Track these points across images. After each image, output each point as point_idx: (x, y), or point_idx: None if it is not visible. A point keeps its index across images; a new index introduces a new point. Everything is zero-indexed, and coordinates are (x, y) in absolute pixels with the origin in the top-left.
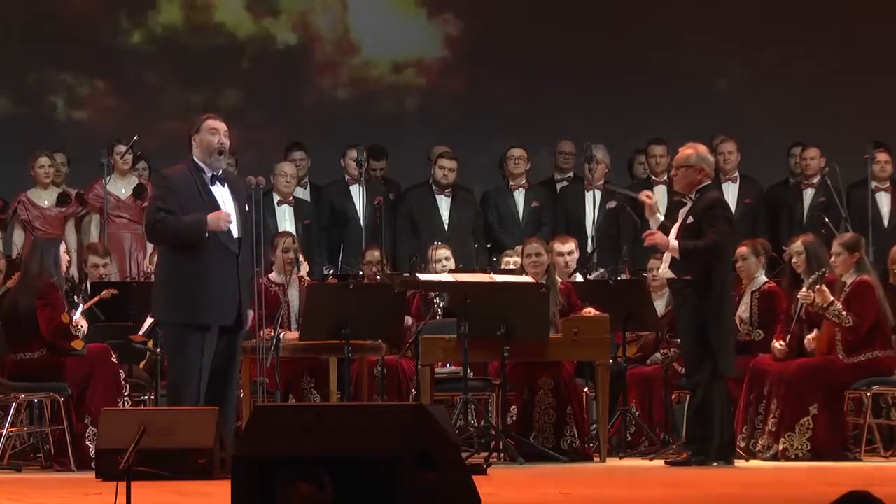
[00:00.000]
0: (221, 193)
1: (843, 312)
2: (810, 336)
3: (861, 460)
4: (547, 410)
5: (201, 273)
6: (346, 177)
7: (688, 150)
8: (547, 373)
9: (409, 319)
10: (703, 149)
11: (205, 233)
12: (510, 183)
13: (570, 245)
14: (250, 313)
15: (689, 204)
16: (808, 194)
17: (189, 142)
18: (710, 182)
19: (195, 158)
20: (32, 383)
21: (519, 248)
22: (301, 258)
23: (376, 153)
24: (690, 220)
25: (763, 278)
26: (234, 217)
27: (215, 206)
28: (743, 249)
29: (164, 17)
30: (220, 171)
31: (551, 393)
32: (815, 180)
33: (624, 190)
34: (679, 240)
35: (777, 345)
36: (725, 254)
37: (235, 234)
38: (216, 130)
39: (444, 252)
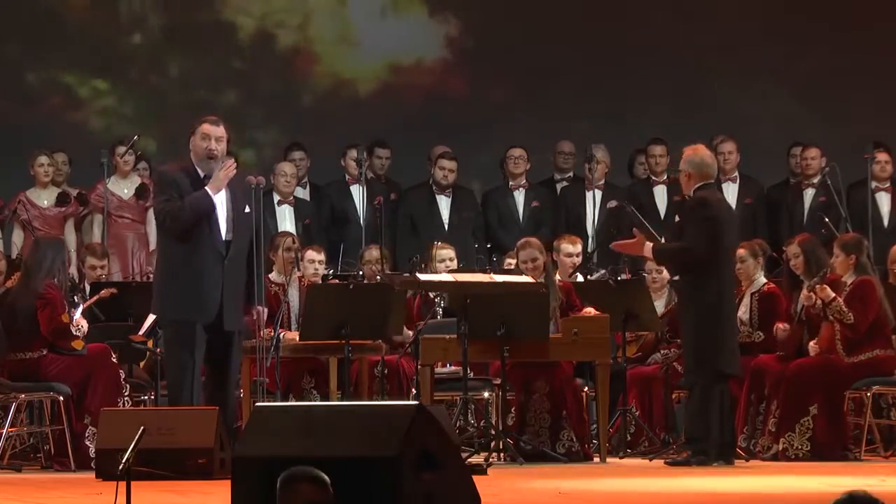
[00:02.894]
0: (217, 195)
1: (845, 308)
2: (813, 343)
3: (861, 460)
4: (542, 414)
5: (188, 269)
6: (346, 177)
7: (687, 153)
8: (542, 376)
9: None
10: (701, 149)
11: (212, 200)
12: (510, 183)
13: (580, 246)
14: (262, 308)
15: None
16: (808, 194)
17: (188, 142)
18: (710, 182)
19: (192, 159)
20: (32, 383)
21: None
22: (302, 257)
23: (379, 143)
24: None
25: (762, 279)
26: (223, 214)
27: None
28: (741, 251)
29: (164, 17)
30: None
31: (546, 397)
32: (816, 180)
33: (643, 221)
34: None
35: (781, 325)
36: (719, 253)
37: (224, 235)
38: (208, 136)
39: (447, 252)
